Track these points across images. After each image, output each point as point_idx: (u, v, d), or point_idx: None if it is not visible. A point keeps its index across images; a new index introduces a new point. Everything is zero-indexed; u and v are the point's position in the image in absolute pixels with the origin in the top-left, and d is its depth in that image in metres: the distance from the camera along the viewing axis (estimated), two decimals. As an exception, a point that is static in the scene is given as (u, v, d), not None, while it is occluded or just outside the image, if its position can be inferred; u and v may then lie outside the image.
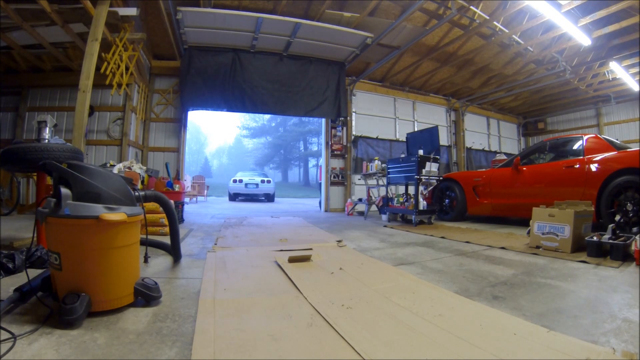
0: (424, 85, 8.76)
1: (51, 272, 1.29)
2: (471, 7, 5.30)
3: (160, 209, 2.42)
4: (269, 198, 12.74)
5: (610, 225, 2.43)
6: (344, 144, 7.80)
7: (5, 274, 1.70)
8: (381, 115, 8.35)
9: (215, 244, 2.81)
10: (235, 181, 12.63)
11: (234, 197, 12.65)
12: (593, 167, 3.61)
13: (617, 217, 3.06)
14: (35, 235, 1.41)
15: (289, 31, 5.89)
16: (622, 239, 2.33)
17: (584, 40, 5.51)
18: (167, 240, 2.26)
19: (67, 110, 5.77)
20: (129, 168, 3.71)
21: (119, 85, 4.78)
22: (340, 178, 7.73)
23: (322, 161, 8.17)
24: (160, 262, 2.15)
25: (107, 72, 4.42)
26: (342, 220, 5.48)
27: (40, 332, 1.07)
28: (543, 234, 2.65)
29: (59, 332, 1.08)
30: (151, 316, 1.25)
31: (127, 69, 4.91)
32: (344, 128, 7.81)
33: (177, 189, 4.34)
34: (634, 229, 2.88)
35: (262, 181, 12.52)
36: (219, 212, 6.71)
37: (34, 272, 1.63)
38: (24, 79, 5.94)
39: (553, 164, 4.22)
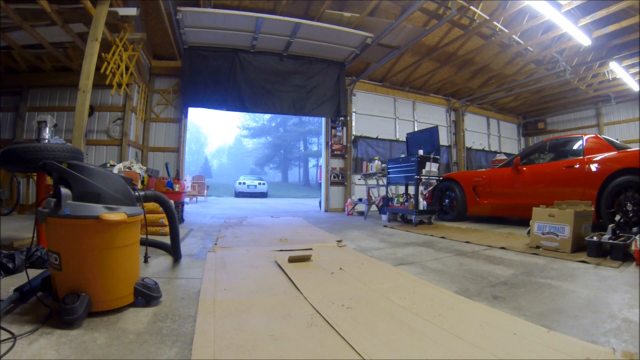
0: (424, 85, 8.76)
1: (51, 272, 1.29)
2: (471, 7, 5.30)
3: (160, 209, 2.42)
4: (264, 195, 18.52)
5: (610, 225, 2.43)
6: (344, 144, 7.80)
7: (5, 274, 1.70)
8: (381, 115, 8.36)
9: (215, 244, 2.81)
10: (239, 183, 18.54)
11: (238, 194, 18.10)
12: (593, 167, 3.61)
13: (617, 217, 3.05)
14: (35, 235, 1.41)
15: (289, 31, 5.90)
16: (622, 239, 2.32)
17: (584, 40, 5.52)
18: (167, 240, 2.26)
19: (67, 110, 5.77)
20: (129, 168, 3.71)
21: (119, 85, 4.78)
22: (340, 178, 7.73)
23: (322, 161, 8.17)
24: (160, 262, 2.15)
25: (107, 72, 4.42)
26: (342, 220, 5.48)
27: (40, 332, 1.07)
28: (543, 234, 2.65)
29: (59, 332, 1.08)
30: (151, 316, 1.25)
31: (127, 69, 4.92)
32: (344, 128, 7.81)
33: (177, 189, 4.34)
34: (634, 229, 2.88)
35: (259, 183, 18.74)
36: (219, 212, 6.71)
37: (34, 272, 1.62)
38: (24, 79, 5.94)
39: (553, 164, 4.22)
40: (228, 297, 1.47)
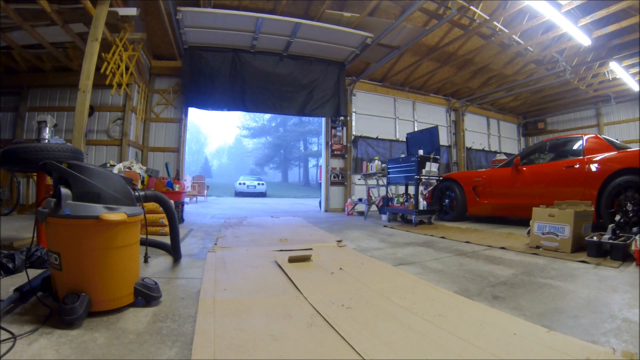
0: (424, 85, 8.76)
1: (51, 272, 1.29)
2: (471, 7, 5.30)
3: (160, 209, 2.42)
4: (263, 195, 19.63)
5: (610, 225, 2.43)
6: (344, 144, 7.80)
7: (5, 274, 1.70)
8: (381, 115, 8.36)
9: (215, 244, 2.81)
10: (239, 183, 19.97)
11: (238, 194, 19.29)
12: (593, 167, 3.61)
13: (617, 217, 3.05)
14: (35, 235, 1.41)
15: (289, 31, 5.89)
16: (622, 239, 2.33)
17: (584, 40, 5.51)
18: (167, 240, 2.26)
19: (67, 110, 5.77)
20: (129, 168, 3.71)
21: (119, 85, 4.78)
22: (340, 178, 7.73)
23: (322, 161, 8.17)
24: (160, 262, 2.15)
25: (107, 72, 4.42)
26: (342, 220, 5.48)
27: (40, 332, 1.07)
28: (543, 234, 2.65)
29: (59, 332, 1.08)
30: (151, 316, 1.25)
31: (127, 69, 4.91)
32: (344, 128, 7.81)
33: (177, 189, 4.34)
34: (634, 229, 2.88)
35: (258, 183, 20.11)
36: (219, 212, 6.71)
37: (34, 272, 1.63)
38: (24, 79, 5.94)
39: (553, 164, 4.22)
40: (228, 297, 1.47)
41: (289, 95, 6.89)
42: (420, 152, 4.78)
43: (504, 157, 8.20)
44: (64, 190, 1.22)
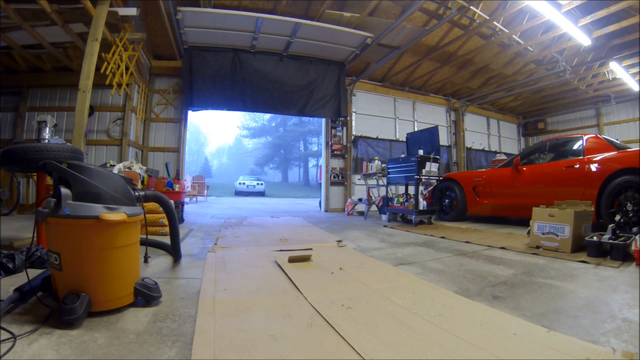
0: (424, 85, 8.76)
1: (51, 272, 1.29)
2: (471, 7, 5.30)
3: (160, 209, 2.42)
4: (262, 194, 20.71)
5: (610, 225, 2.43)
6: (344, 144, 7.80)
7: (5, 274, 1.70)
8: (381, 115, 8.36)
9: (215, 244, 2.81)
10: (239, 183, 21.13)
11: (238, 193, 20.38)
12: (593, 167, 3.61)
13: (617, 217, 3.05)
14: (35, 235, 1.41)
15: (289, 31, 5.90)
16: (622, 239, 2.32)
17: (584, 40, 5.51)
18: (167, 240, 2.26)
19: (67, 110, 5.77)
20: (129, 168, 3.71)
21: (119, 85, 4.78)
22: (340, 178, 7.73)
23: (322, 161, 8.17)
24: (160, 262, 2.15)
25: (107, 72, 4.42)
26: (342, 220, 5.47)
27: (40, 332, 1.07)
28: (543, 234, 2.65)
29: (59, 332, 1.08)
30: (151, 316, 1.25)
31: (127, 69, 4.92)
32: (344, 128, 7.81)
33: (177, 189, 4.34)
34: (634, 229, 2.88)
35: (257, 183, 21.27)
36: (219, 212, 6.71)
37: (34, 272, 1.63)
38: (24, 79, 5.94)
39: (553, 164, 4.22)
40: (228, 297, 1.47)
41: (289, 96, 6.88)
42: (420, 152, 4.78)
43: (504, 157, 8.20)
44: (64, 190, 1.22)
